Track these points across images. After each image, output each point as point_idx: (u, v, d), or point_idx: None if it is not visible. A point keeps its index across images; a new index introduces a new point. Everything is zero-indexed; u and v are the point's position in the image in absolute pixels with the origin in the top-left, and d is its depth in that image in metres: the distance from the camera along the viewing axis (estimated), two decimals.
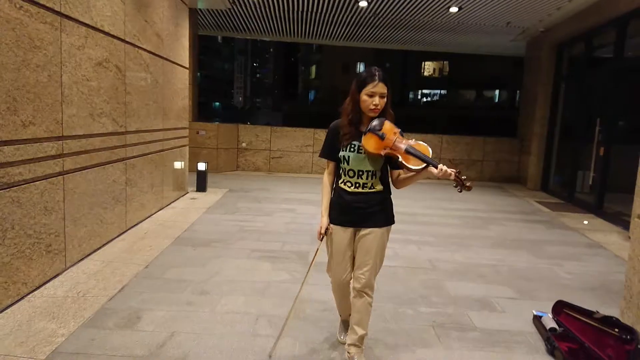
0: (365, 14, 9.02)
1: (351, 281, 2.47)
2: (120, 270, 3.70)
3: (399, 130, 2.26)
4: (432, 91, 35.02)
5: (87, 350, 2.49)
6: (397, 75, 32.86)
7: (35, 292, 3.19)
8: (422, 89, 35.18)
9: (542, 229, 6.07)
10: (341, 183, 2.39)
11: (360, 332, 2.42)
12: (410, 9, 8.44)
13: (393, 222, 2.45)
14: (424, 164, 2.17)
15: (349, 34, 11.19)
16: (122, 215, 4.65)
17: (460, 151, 10.46)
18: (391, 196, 2.44)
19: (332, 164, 2.44)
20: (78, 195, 3.75)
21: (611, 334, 2.64)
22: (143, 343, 2.60)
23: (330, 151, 2.41)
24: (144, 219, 5.30)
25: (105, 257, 3.97)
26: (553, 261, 4.61)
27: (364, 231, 2.37)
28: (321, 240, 2.43)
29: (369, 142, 2.24)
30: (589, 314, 2.85)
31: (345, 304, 2.59)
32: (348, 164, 2.33)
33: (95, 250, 4.09)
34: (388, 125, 2.25)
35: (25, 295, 3.11)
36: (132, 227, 4.94)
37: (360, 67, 34.41)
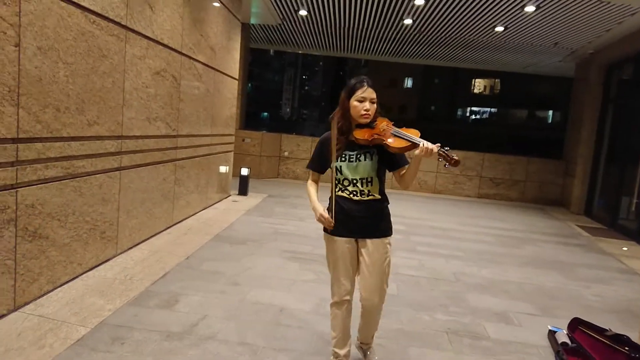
0: (410, 31, 9.22)
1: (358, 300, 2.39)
2: (164, 259, 4.07)
3: (393, 122, 2.28)
4: (482, 109, 34.44)
5: (129, 324, 2.83)
6: (446, 92, 32.62)
7: (89, 273, 3.59)
8: (471, 107, 34.70)
9: (578, 252, 5.99)
10: (338, 192, 2.34)
11: (372, 332, 2.47)
12: (455, 27, 8.57)
13: (391, 233, 2.38)
14: (409, 143, 2.12)
15: (395, 50, 11.41)
16: (169, 211, 5.07)
17: (502, 170, 10.35)
18: (389, 206, 2.41)
19: (316, 174, 2.45)
20: (132, 189, 4.17)
21: (621, 351, 2.69)
22: (179, 322, 2.91)
23: (318, 162, 2.40)
24: (189, 217, 5.71)
25: (152, 248, 4.36)
26: (582, 283, 4.59)
27: (364, 242, 2.31)
28: (331, 225, 2.27)
29: (360, 132, 2.25)
30: (601, 331, 2.90)
31: (345, 331, 2.43)
32: (341, 173, 2.29)
33: (143, 241, 4.49)
34: (381, 119, 2.29)
35: (80, 275, 3.51)
36: (178, 222, 5.35)
37: (408, 83, 34.44)
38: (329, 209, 2.37)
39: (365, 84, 2.25)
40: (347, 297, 2.41)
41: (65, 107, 3.13)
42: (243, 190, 7.67)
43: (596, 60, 8.93)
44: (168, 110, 4.82)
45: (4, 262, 2.73)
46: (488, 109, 34.12)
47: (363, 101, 2.23)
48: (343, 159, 2.28)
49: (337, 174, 2.32)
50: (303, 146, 10.52)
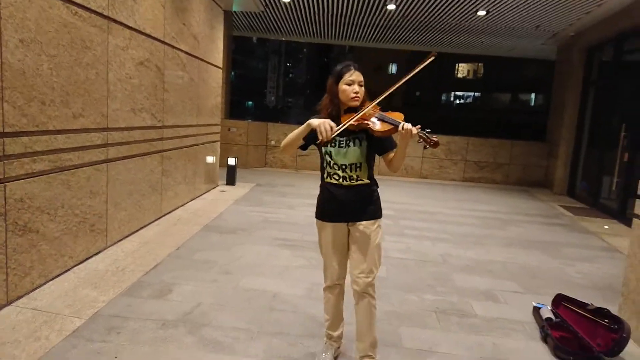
0: (394, 17, 9.22)
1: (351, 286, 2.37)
2: (154, 250, 4.08)
3: (380, 107, 2.27)
4: (466, 93, 34.64)
5: (124, 314, 2.86)
6: (430, 77, 32.73)
7: (80, 265, 3.60)
8: (455, 91, 34.88)
9: (561, 231, 6.15)
10: (327, 178, 2.35)
11: (370, 338, 2.34)
12: (438, 12, 8.59)
13: (381, 216, 2.40)
14: (391, 126, 2.12)
15: (379, 35, 11.40)
16: (157, 203, 5.06)
17: (486, 154, 10.50)
18: (378, 189, 2.43)
19: None
20: (119, 182, 4.16)
21: (601, 324, 2.81)
22: (173, 310, 2.95)
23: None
24: (177, 208, 5.71)
25: (142, 239, 4.37)
26: (565, 261, 4.73)
27: (358, 225, 2.32)
28: (329, 135, 2.05)
29: (347, 117, 2.21)
30: (583, 305, 3.02)
31: (337, 315, 2.51)
32: (331, 158, 2.29)
33: (133, 232, 4.50)
34: (369, 104, 2.24)
35: (71, 267, 3.52)
36: (167, 214, 5.35)
37: (393, 68, 34.47)
38: (319, 197, 2.41)
39: (352, 67, 2.25)
40: (339, 282, 2.46)
41: (50, 100, 3.11)
42: (231, 180, 7.67)
43: (577, 42, 9.06)
44: (153, 100, 4.79)
45: None
46: (472, 94, 34.33)
47: (352, 84, 2.23)
48: (333, 144, 2.27)
49: (327, 158, 2.32)
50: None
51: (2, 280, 2.81)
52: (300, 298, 3.31)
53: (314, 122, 2.11)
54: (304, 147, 2.34)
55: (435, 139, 2.04)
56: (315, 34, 11.85)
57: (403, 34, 11.06)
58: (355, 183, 2.30)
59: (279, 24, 10.83)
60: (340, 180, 2.30)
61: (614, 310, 3.06)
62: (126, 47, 4.13)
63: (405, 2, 8.02)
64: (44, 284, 3.20)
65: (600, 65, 8.94)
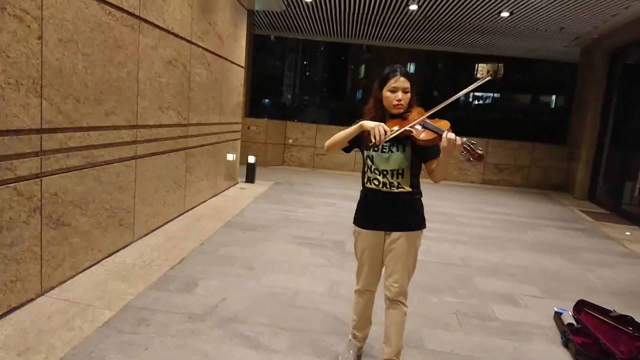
0: (416, 17, 9.20)
1: (384, 292, 2.37)
2: (179, 245, 4.18)
3: (428, 113, 2.16)
4: (485, 94, 34.31)
5: (152, 307, 2.95)
6: (448, 77, 32.47)
7: (108, 259, 3.71)
8: (475, 92, 34.55)
9: (581, 236, 6.09)
10: (367, 183, 2.29)
11: (398, 344, 2.33)
12: (461, 13, 8.55)
13: (424, 226, 2.32)
14: (435, 135, 2.05)
15: (399, 35, 11.38)
16: (181, 198, 5.17)
17: (506, 156, 10.41)
18: (421, 198, 2.34)
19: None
20: (147, 178, 4.26)
21: (625, 331, 2.81)
22: (199, 304, 3.03)
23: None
24: (200, 204, 5.81)
25: (166, 234, 4.48)
26: (585, 266, 4.70)
27: (394, 235, 2.26)
28: (382, 138, 2.05)
29: (391, 123, 2.17)
30: (606, 312, 3.01)
31: (365, 318, 2.50)
32: (373, 162, 2.23)
33: (158, 227, 4.61)
34: (416, 111, 2.21)
35: (100, 260, 3.63)
36: (190, 209, 5.46)
37: (411, 68, 34.31)
38: (358, 202, 2.38)
39: (398, 73, 2.17)
40: (371, 288, 2.44)
41: (85, 98, 3.21)
42: (250, 178, 7.76)
43: (601, 45, 8.93)
44: (179, 99, 4.89)
45: (32, 249, 2.84)
46: (491, 94, 33.97)
47: (395, 91, 2.16)
48: (375, 149, 2.20)
49: (368, 162, 2.26)
50: (308, 133, 10.58)
51: (37, 272, 2.92)
52: (321, 296, 3.36)
53: (368, 124, 2.09)
54: (347, 149, 2.32)
55: (480, 152, 1.93)
56: (334, 33, 11.88)
57: (423, 34, 11.02)
58: (395, 190, 2.22)
59: (299, 23, 10.89)
60: (380, 185, 2.23)
61: (637, 317, 3.05)
62: (156, 47, 4.23)
63: (427, 2, 8.01)
64: (75, 275, 3.31)
65: (625, 68, 8.80)
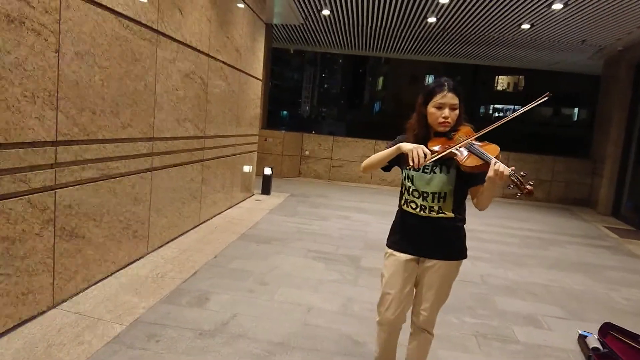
0: (434, 29, 9.15)
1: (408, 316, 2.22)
2: (193, 258, 4.15)
3: (476, 135, 1.97)
4: (506, 106, 33.94)
5: (163, 322, 2.91)
6: (468, 89, 32.27)
7: (121, 271, 3.69)
8: (494, 104, 34.26)
9: (605, 254, 5.88)
10: (404, 205, 2.11)
11: None
12: (480, 25, 8.47)
13: (465, 256, 2.12)
14: (482, 162, 1.85)
15: (418, 48, 11.34)
16: (196, 210, 5.16)
17: (527, 170, 10.14)
18: (465, 226, 2.14)
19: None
20: (162, 189, 4.26)
21: None
22: (210, 320, 2.98)
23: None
24: (215, 215, 5.80)
25: (181, 246, 4.46)
26: (610, 286, 4.51)
27: (428, 263, 2.08)
28: (422, 161, 1.86)
29: (435, 142, 2.00)
30: (634, 337, 2.86)
31: (389, 352, 2.28)
32: (412, 183, 2.05)
33: (172, 239, 4.60)
34: (464, 129, 2.03)
35: (113, 273, 3.62)
36: (205, 221, 5.45)
37: (430, 79, 34.22)
38: (393, 223, 2.20)
39: (445, 88, 1.98)
40: (396, 323, 2.17)
41: (101, 110, 3.23)
42: (266, 190, 7.74)
43: (625, 57, 8.72)
44: (196, 111, 4.91)
45: (44, 261, 2.84)
46: (512, 106, 33.61)
47: (442, 107, 1.97)
48: (417, 168, 1.96)
49: (407, 183, 2.08)
50: (324, 145, 10.55)
51: (49, 284, 2.91)
52: (335, 314, 3.28)
53: (406, 146, 1.91)
54: (386, 169, 2.15)
55: (530, 188, 1.72)
56: (352, 46, 11.90)
57: (441, 47, 10.95)
58: (435, 215, 2.02)
59: (317, 36, 10.94)
60: (418, 209, 2.04)
61: None
62: (173, 60, 4.25)
63: (446, 14, 7.95)
64: (87, 288, 3.29)
65: None
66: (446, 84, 1.99)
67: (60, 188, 2.93)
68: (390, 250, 2.16)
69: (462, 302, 3.72)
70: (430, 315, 2.14)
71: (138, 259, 3.96)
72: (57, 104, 2.81)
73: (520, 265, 4.95)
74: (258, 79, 7.34)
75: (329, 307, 3.36)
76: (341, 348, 2.80)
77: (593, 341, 3.01)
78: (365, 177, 10.41)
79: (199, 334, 2.80)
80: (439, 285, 2.10)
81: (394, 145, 2.04)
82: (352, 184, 10.18)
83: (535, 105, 1.97)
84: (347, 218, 6.52)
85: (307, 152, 10.60)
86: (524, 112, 2.00)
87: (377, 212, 7.11)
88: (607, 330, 3.08)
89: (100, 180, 3.31)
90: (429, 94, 2.02)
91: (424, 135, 2.04)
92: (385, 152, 2.04)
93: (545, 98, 1.93)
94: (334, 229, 5.78)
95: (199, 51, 4.80)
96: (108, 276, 3.54)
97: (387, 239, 2.21)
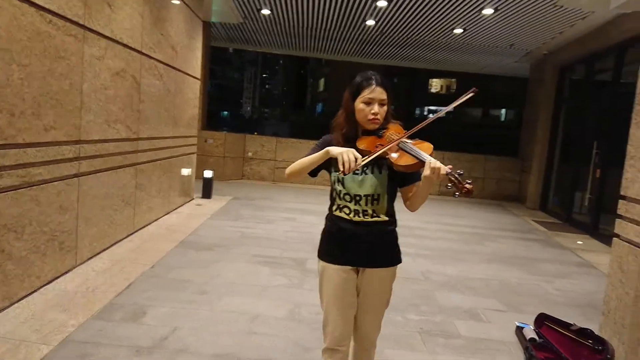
0: (372, 32, 9.29)
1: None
2: (127, 269, 3.91)
3: (408, 133, 1.85)
4: (439, 108, 35.32)
5: (95, 340, 2.69)
6: (404, 92, 33.25)
7: (48, 286, 3.39)
8: (429, 106, 35.55)
9: (536, 247, 6.23)
10: (336, 211, 1.95)
11: None
12: (416, 29, 8.71)
13: (400, 261, 2.00)
14: (415, 161, 1.74)
15: (357, 50, 11.48)
16: (130, 218, 4.88)
17: (461, 168, 10.45)
18: (403, 224, 2.07)
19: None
20: (91, 196, 3.98)
21: (585, 345, 2.81)
22: (147, 335, 2.80)
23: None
24: (151, 222, 5.52)
25: (114, 257, 4.18)
26: (544, 278, 4.77)
27: (368, 272, 1.93)
28: (356, 162, 1.71)
29: (364, 141, 1.87)
30: (566, 326, 3.02)
31: None
32: (344, 186, 1.89)
33: (104, 250, 4.30)
34: (394, 127, 1.90)
35: (39, 288, 3.32)
36: (140, 229, 5.16)
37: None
38: (324, 232, 2.03)
39: (373, 82, 1.84)
40: (343, 345, 1.95)
41: (20, 112, 2.94)
42: (207, 194, 7.50)
43: (550, 61, 9.32)
44: (128, 112, 4.63)
45: None
46: (444, 108, 34.99)
47: (371, 103, 1.84)
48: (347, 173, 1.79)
49: (337, 186, 1.92)
50: (268, 146, 10.42)
51: None
52: (282, 320, 3.20)
53: (334, 150, 1.75)
54: (313, 174, 1.96)
55: (470, 186, 1.64)
56: (293, 47, 11.85)
57: (380, 49, 11.17)
58: (370, 219, 1.89)
59: (258, 36, 10.78)
60: (351, 214, 1.90)
61: (594, 329, 3.07)
62: (102, 57, 3.98)
63: (384, 18, 8.10)
64: (8, 307, 2.99)
65: (572, 83, 9.21)
66: (374, 77, 1.86)
67: None
68: (324, 263, 1.97)
69: (405, 300, 3.77)
70: (374, 340, 2.02)
71: (65, 273, 3.66)
72: None
73: (459, 261, 5.12)
74: (196, 78, 7.09)
75: (275, 314, 3.28)
76: (291, 356, 2.72)
77: (529, 332, 3.14)
78: (310, 179, 10.34)
79: (135, 351, 2.62)
80: (381, 296, 1.97)
81: (320, 146, 1.89)
82: (297, 186, 10.12)
83: (463, 101, 1.91)
84: (293, 220, 6.45)
85: (250, 154, 10.41)
86: (454, 107, 1.94)
87: (324, 213, 7.05)
88: (542, 320, 3.23)
89: (21, 189, 3.02)
90: (356, 88, 1.87)
91: (352, 134, 1.91)
92: (311, 158, 1.85)
93: (472, 94, 1.87)
94: (279, 232, 5.69)
95: (130, 48, 4.54)
96: (32, 292, 3.24)
97: (319, 251, 2.02)
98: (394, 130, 1.87)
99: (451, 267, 4.84)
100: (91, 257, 4.06)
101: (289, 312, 3.34)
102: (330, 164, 1.87)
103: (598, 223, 7.14)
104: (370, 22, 8.45)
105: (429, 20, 7.97)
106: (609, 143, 7.12)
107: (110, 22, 4.08)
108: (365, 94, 1.84)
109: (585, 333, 2.87)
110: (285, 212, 7.02)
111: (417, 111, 35.48)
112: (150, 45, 5.04)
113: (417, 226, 6.72)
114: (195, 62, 6.97)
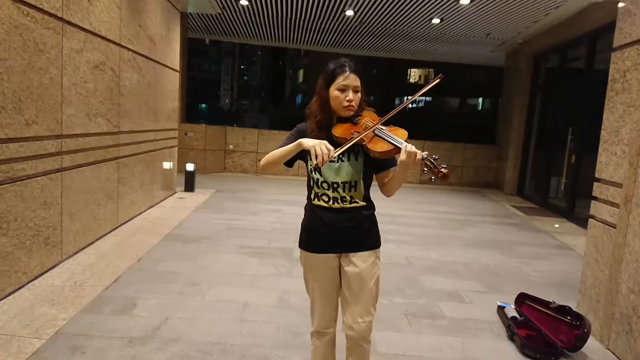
0: (352, 23, 9.32)
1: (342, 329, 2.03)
2: (113, 263, 3.90)
3: (383, 119, 1.85)
4: (418, 98, 35.59)
5: (87, 332, 2.71)
6: (383, 82, 33.41)
7: (35, 281, 3.37)
8: (407, 96, 35.82)
9: (514, 231, 6.41)
10: (315, 199, 1.94)
11: None
12: (395, 19, 8.78)
13: (379, 245, 2.02)
14: (391, 147, 1.76)
15: (336, 41, 11.50)
16: (114, 212, 4.85)
17: (440, 156, 10.47)
18: (385, 212, 2.09)
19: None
20: (74, 191, 3.94)
21: (564, 321, 2.94)
22: (139, 326, 2.82)
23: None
24: (135, 216, 5.49)
25: (99, 251, 4.17)
26: (522, 260, 4.93)
27: (352, 258, 1.93)
28: (329, 155, 1.70)
29: (339, 128, 1.88)
30: (546, 304, 3.15)
31: None
32: (321, 174, 1.89)
33: (89, 245, 4.28)
34: (368, 114, 1.91)
35: (26, 284, 3.30)
36: (124, 223, 5.13)
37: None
38: (304, 223, 2.03)
39: (347, 68, 1.84)
40: (330, 328, 2.05)
41: (2, 107, 2.91)
42: (190, 187, 7.47)
43: (525, 50, 9.52)
44: (108, 105, 4.59)
45: None
46: (423, 98, 35.33)
47: (345, 90, 1.84)
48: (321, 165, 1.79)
49: (314, 175, 1.92)
50: (249, 139, 10.40)
51: None
52: (272, 307, 3.25)
53: (307, 142, 1.75)
54: (289, 164, 1.94)
55: (445, 171, 1.67)
56: (271, 38, 11.79)
57: (359, 40, 11.21)
58: (348, 205, 1.90)
59: (235, 27, 10.69)
60: (330, 202, 1.90)
61: (572, 306, 3.22)
62: (81, 50, 3.93)
63: (363, 8, 8.14)
64: None
65: (547, 71, 9.43)
66: (347, 64, 1.85)
67: None
68: (307, 253, 1.99)
69: (391, 284, 3.86)
70: (365, 323, 1.95)
71: (52, 268, 3.64)
72: None
73: (441, 246, 5.25)
74: (175, 70, 7.02)
75: (265, 302, 3.33)
76: (281, 341, 2.79)
77: (511, 311, 3.28)
78: (293, 170, 10.37)
79: (128, 341, 2.64)
80: (366, 282, 1.93)
81: (294, 136, 1.91)
82: (280, 177, 10.14)
83: (431, 87, 1.94)
84: (278, 211, 6.49)
85: (231, 146, 10.37)
86: (423, 92, 1.96)
87: None
88: (522, 300, 3.36)
89: (5, 184, 2.99)
90: (330, 75, 1.86)
91: (327, 121, 1.90)
92: (285, 150, 1.85)
93: (438, 80, 1.92)
94: (265, 223, 5.73)
95: (109, 40, 4.48)
96: (19, 288, 3.22)
97: (300, 241, 2.03)
98: (369, 117, 1.89)
99: (434, 252, 4.97)
100: (76, 252, 4.04)
101: (278, 299, 3.40)
102: (305, 153, 1.85)
103: (574, 207, 7.38)
104: (350, 13, 8.47)
105: (407, 10, 8.04)
106: (583, 129, 7.34)
107: (88, 15, 4.03)
108: (340, 81, 1.84)
109: (563, 310, 3.01)
110: (270, 203, 7.06)
111: (397, 101, 35.70)
112: (128, 37, 4.98)
113: (400, 214, 6.84)
114: (173, 54, 6.90)
